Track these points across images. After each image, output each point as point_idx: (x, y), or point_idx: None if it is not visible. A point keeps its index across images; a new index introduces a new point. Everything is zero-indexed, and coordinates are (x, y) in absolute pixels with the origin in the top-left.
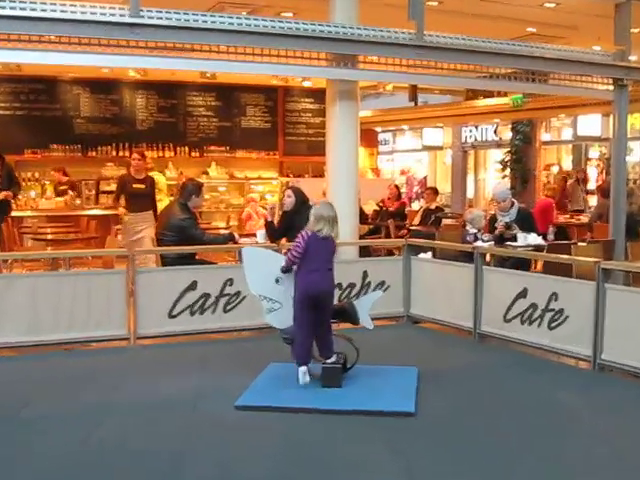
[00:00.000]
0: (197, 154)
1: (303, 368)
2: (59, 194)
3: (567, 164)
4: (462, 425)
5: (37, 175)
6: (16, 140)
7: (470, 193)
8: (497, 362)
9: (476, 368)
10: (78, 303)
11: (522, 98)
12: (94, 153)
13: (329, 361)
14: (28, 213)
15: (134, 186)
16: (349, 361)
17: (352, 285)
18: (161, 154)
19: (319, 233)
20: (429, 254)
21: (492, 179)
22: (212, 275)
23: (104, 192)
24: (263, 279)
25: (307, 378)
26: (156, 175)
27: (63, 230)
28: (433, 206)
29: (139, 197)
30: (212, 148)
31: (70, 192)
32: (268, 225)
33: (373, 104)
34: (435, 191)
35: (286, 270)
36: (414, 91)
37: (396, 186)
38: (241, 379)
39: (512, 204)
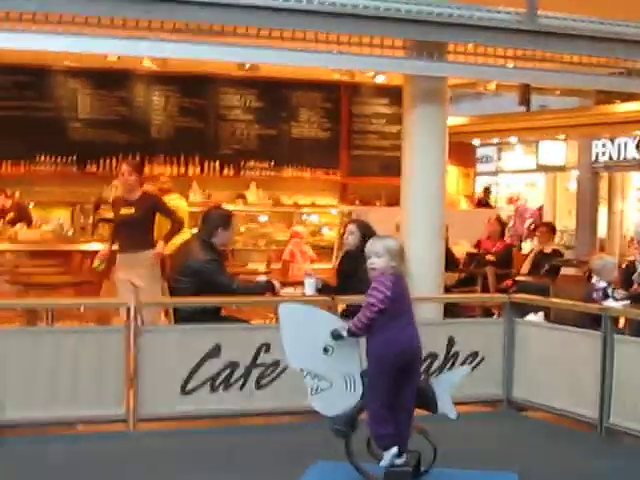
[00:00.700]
0: (231, 172)
1: (395, 450)
2: (9, 224)
3: None
4: None
5: (18, 195)
6: None
7: (602, 231)
8: (633, 470)
9: (602, 478)
10: (61, 370)
11: None
12: (94, 167)
13: (397, 462)
14: (5, 246)
15: (121, 212)
16: (423, 463)
17: (433, 356)
18: (183, 171)
19: (399, 272)
20: (540, 315)
21: (634, 212)
22: (242, 338)
23: (104, 220)
24: (307, 348)
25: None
26: (175, 199)
27: (48, 270)
28: (548, 249)
29: (127, 228)
30: (251, 164)
31: (18, 224)
32: (322, 290)
33: (470, 108)
34: (552, 229)
35: (339, 336)
36: (526, 92)
37: (498, 220)
38: None
39: None
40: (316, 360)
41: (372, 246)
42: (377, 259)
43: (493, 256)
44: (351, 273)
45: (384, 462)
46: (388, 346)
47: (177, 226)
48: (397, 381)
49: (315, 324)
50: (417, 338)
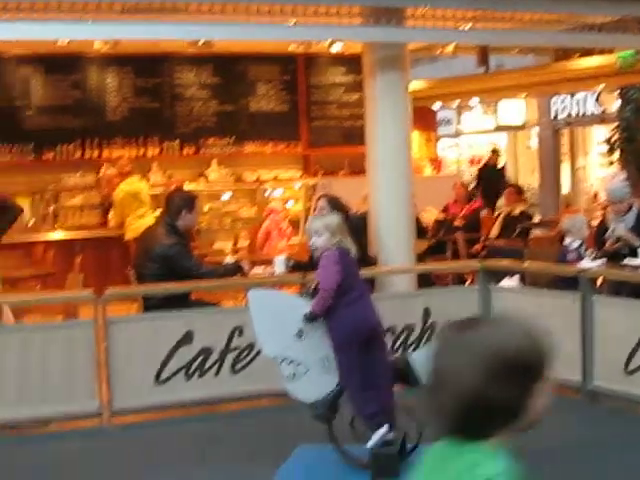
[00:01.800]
0: (191, 150)
1: (385, 429)
2: None
3: None
4: None
5: None
6: None
7: (565, 188)
8: (618, 434)
9: (587, 444)
10: (29, 367)
11: (634, 55)
12: (51, 155)
13: (388, 438)
14: None
15: None
16: (409, 441)
17: (409, 328)
18: (142, 152)
19: (343, 247)
20: (515, 279)
21: (596, 167)
22: (214, 322)
23: (66, 207)
24: (279, 334)
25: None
26: (135, 182)
27: (10, 264)
28: (517, 211)
29: None
30: (211, 141)
31: None
32: (293, 268)
33: (427, 72)
34: (519, 190)
35: (315, 317)
36: (484, 52)
37: (463, 184)
38: (258, 470)
39: (630, 206)
40: (290, 346)
41: (311, 225)
42: (318, 238)
43: (461, 221)
44: None
45: (373, 442)
46: (342, 325)
47: None
48: (364, 357)
49: (285, 309)
50: (370, 310)
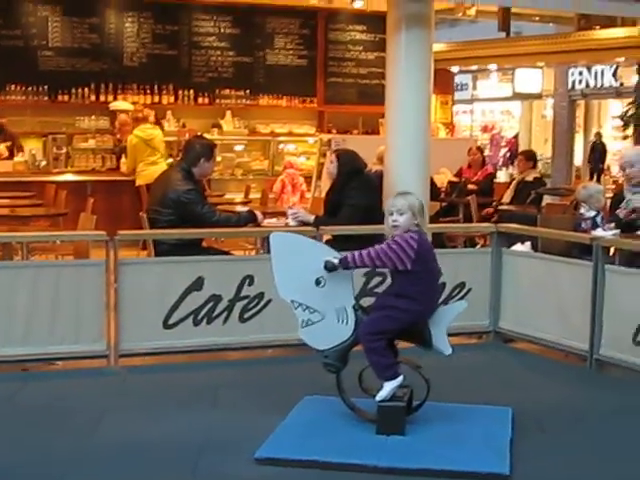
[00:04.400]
0: (206, 100)
1: (400, 379)
2: None
3: None
4: None
5: None
6: None
7: (578, 159)
8: (623, 402)
9: (593, 411)
10: (39, 306)
11: None
12: (66, 97)
13: (397, 393)
14: None
15: None
16: (415, 398)
17: None
18: (157, 99)
19: (422, 231)
20: (527, 245)
21: (610, 140)
22: (224, 270)
23: (79, 150)
24: (298, 279)
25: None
26: (149, 129)
27: (21, 202)
28: (531, 177)
29: None
30: (226, 92)
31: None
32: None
33: (447, 36)
34: (531, 156)
35: (335, 268)
36: (506, 17)
37: (479, 149)
38: (264, 419)
39: None
40: (308, 292)
41: (394, 202)
42: (400, 217)
43: (475, 185)
44: (336, 203)
45: (382, 394)
46: (414, 304)
47: None
48: (395, 319)
49: (307, 254)
50: (439, 292)
